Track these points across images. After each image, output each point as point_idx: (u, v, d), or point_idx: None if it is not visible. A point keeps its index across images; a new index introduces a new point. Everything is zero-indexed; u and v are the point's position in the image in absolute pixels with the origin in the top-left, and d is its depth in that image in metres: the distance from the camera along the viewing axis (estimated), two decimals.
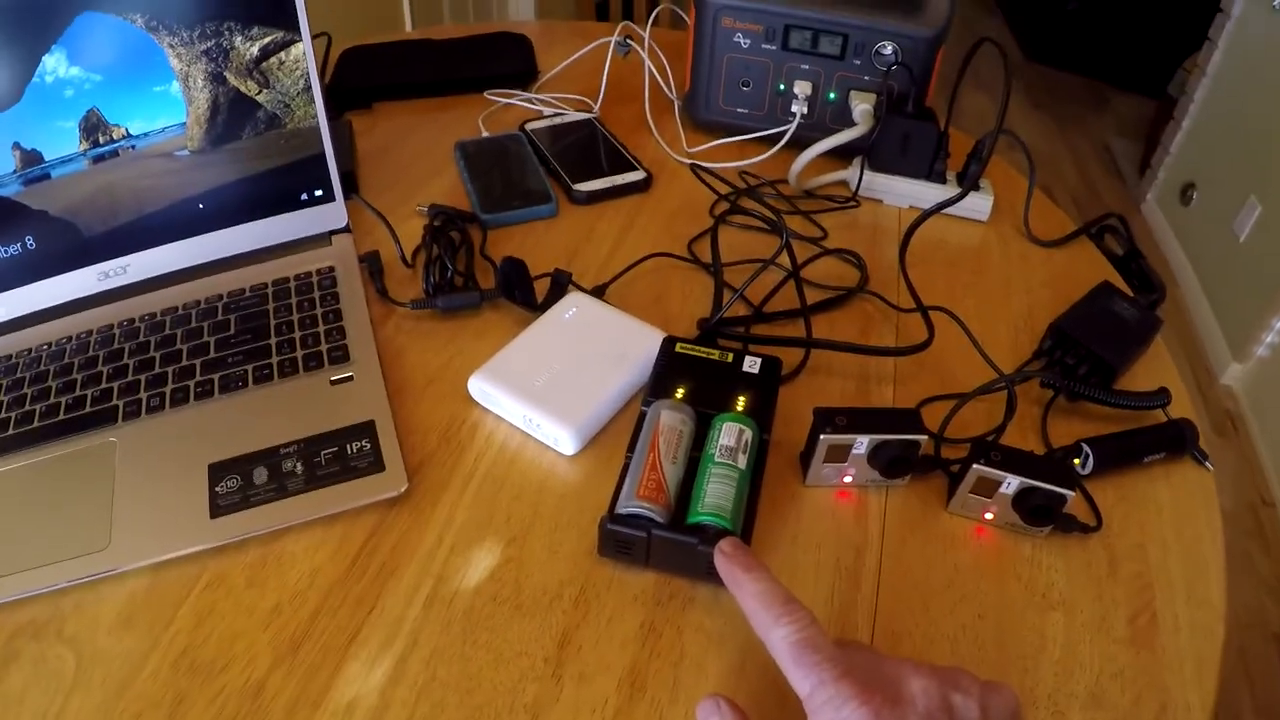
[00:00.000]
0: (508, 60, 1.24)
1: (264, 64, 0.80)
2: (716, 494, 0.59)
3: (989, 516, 0.68)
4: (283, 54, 0.80)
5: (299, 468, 0.65)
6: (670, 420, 0.64)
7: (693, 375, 0.69)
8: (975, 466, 0.65)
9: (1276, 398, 2.30)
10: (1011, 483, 0.64)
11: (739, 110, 1.09)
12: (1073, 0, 4.28)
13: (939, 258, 0.95)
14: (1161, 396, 0.77)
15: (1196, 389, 2.49)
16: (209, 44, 0.77)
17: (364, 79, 1.18)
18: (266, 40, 0.79)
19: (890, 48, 1.00)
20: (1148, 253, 2.97)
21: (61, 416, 0.71)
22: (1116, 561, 0.66)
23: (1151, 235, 3.13)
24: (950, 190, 0.99)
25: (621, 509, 0.59)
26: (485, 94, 1.17)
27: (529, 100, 1.17)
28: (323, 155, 0.85)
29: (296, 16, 0.79)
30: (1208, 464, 0.75)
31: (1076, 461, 0.73)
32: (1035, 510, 0.65)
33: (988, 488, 0.65)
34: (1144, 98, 3.81)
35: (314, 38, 1.09)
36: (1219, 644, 0.62)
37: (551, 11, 3.11)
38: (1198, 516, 0.71)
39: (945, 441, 0.72)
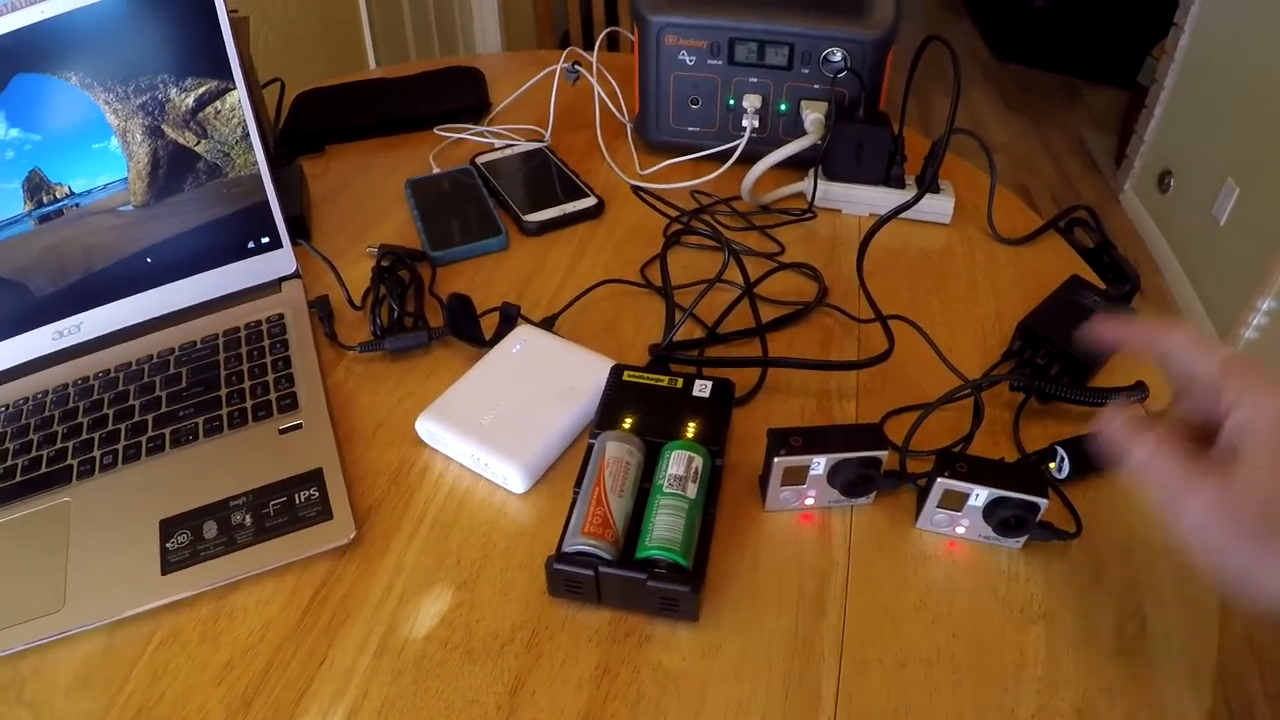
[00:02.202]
0: (460, 95, 1.22)
1: (200, 114, 0.79)
2: (665, 526, 0.57)
3: (960, 531, 0.65)
4: (218, 103, 0.79)
5: (248, 520, 0.64)
6: (616, 452, 0.62)
7: (641, 404, 0.67)
8: (940, 480, 0.62)
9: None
10: (980, 494, 0.62)
11: (690, 129, 1.07)
12: None
13: (901, 265, 0.93)
14: (1138, 390, 0.75)
15: None
16: (144, 98, 0.76)
17: (316, 122, 1.17)
18: (201, 90, 0.78)
19: (839, 54, 0.98)
20: (1128, 243, 2.98)
21: (18, 479, 0.70)
22: (1100, 567, 0.64)
23: (1131, 225, 3.11)
24: (909, 195, 0.96)
25: (567, 547, 0.57)
26: (435, 130, 1.15)
27: (480, 134, 1.15)
28: (267, 202, 0.84)
29: (229, 64, 0.78)
30: None
31: (1052, 465, 0.71)
32: (1008, 521, 0.62)
33: (956, 501, 0.63)
34: (1116, 89, 3.81)
35: (266, 84, 1.10)
36: (1214, 646, 0.59)
37: (518, 44, 3.12)
38: None
39: (911, 455, 0.69)
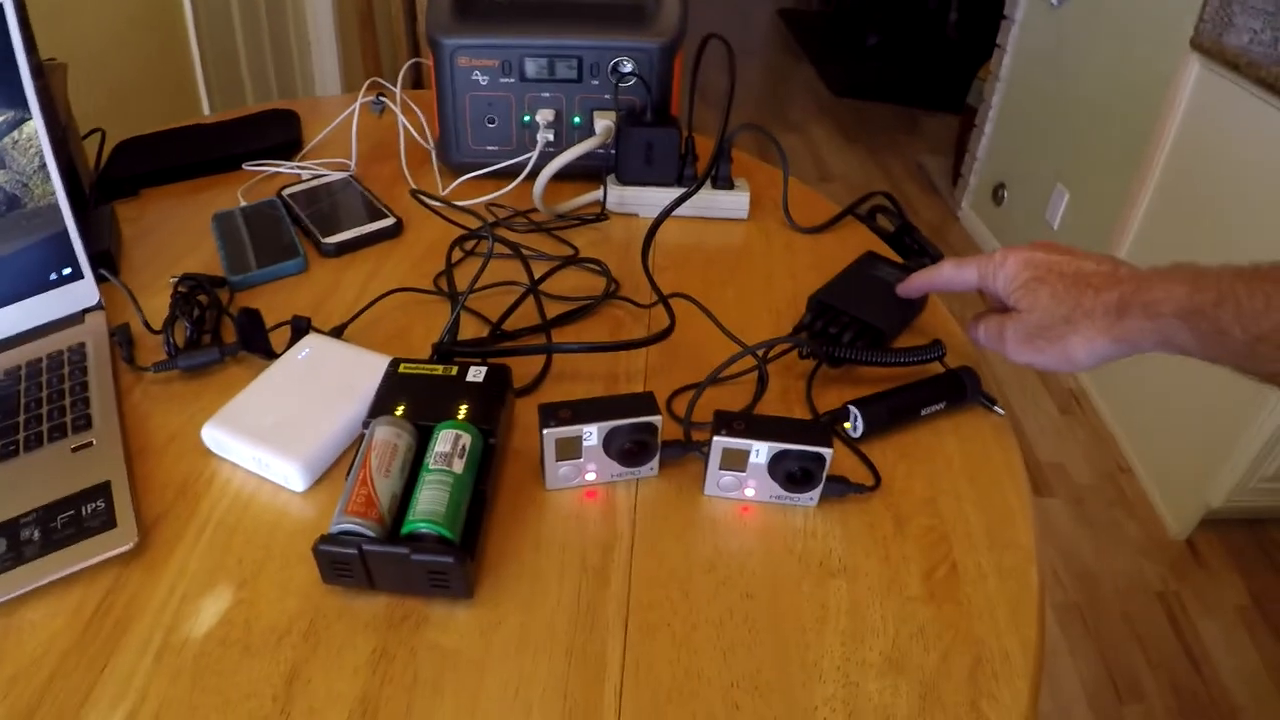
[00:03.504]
0: (272, 135, 1.22)
1: None
2: (429, 500, 0.57)
3: (750, 493, 0.66)
4: (16, 133, 0.78)
5: (36, 535, 0.63)
6: (384, 435, 0.62)
7: (415, 391, 0.67)
8: (717, 439, 0.63)
9: (1113, 368, 2.37)
10: (760, 450, 0.63)
11: (489, 148, 1.08)
12: (871, 35, 4.47)
13: (696, 259, 0.95)
14: (935, 349, 0.76)
15: (1037, 376, 2.55)
16: None
17: (131, 167, 1.15)
18: None
19: (630, 64, 1.00)
20: (968, 255, 3.09)
21: None
22: (903, 519, 0.65)
23: (971, 239, 3.23)
24: (703, 193, 0.98)
25: (331, 528, 0.57)
26: (244, 167, 1.14)
27: (289, 169, 1.14)
28: (67, 232, 0.83)
29: (24, 95, 0.78)
30: (997, 409, 0.75)
31: (847, 425, 0.72)
32: (794, 475, 0.63)
33: (738, 460, 0.64)
34: (950, 114, 3.97)
35: (87, 135, 1.09)
36: (1034, 586, 0.61)
37: (357, 87, 3.10)
38: (993, 462, 0.70)
39: (696, 426, 0.70)
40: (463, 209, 1.01)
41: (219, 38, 2.37)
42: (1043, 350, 0.66)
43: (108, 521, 0.63)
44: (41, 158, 0.80)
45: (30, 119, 0.78)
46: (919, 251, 0.99)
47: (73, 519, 0.64)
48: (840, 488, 0.66)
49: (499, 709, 0.53)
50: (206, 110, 2.30)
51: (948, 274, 0.75)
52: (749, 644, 0.56)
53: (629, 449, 0.64)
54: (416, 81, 2.19)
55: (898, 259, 0.93)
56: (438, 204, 1.03)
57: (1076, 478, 2.22)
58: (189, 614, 0.58)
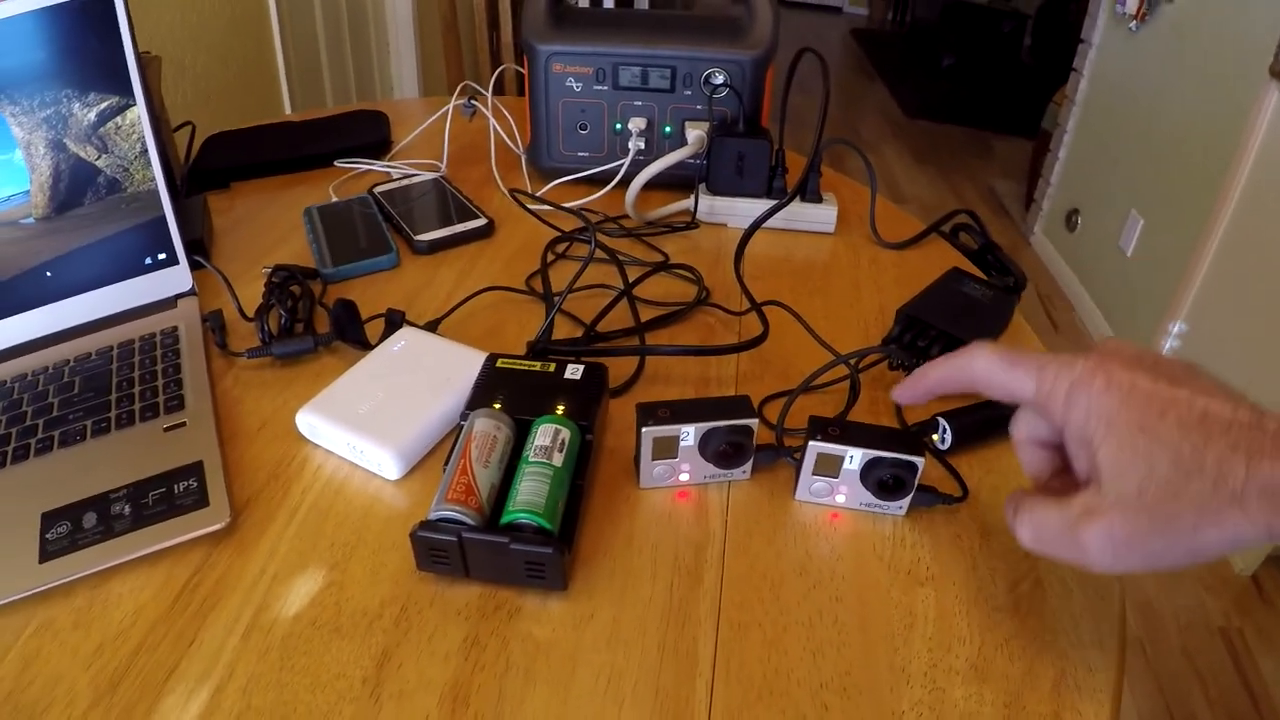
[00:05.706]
0: (362, 134, 1.25)
1: (101, 129, 0.80)
2: (529, 491, 0.57)
3: (840, 500, 0.66)
4: (119, 119, 0.80)
5: (127, 510, 0.64)
6: (483, 426, 0.62)
7: (513, 386, 0.68)
8: (812, 444, 0.63)
9: None
10: (854, 456, 0.63)
11: (580, 154, 1.09)
12: (946, 57, 4.45)
13: (785, 270, 0.95)
14: None
15: None
16: (49, 111, 0.77)
17: (223, 161, 1.18)
18: (103, 105, 0.79)
19: (721, 76, 1.01)
20: (1041, 282, 3.06)
21: None
22: (990, 532, 0.65)
23: (1044, 266, 3.20)
24: (792, 205, 0.99)
25: (431, 515, 0.57)
26: (336, 163, 1.17)
27: (379, 167, 1.16)
28: (164, 218, 0.85)
29: (130, 81, 0.80)
30: None
31: (935, 437, 0.72)
32: (886, 483, 0.63)
33: (831, 466, 0.64)
34: (1023, 139, 3.94)
35: (178, 128, 1.12)
36: (1116, 602, 0.60)
37: (435, 91, 3.15)
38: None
39: (787, 432, 0.70)
40: (567, 210, 1.02)
41: (302, 40, 2.43)
42: (1161, 556, 0.43)
43: (200, 500, 0.65)
44: (142, 144, 0.82)
45: (134, 105, 0.81)
46: (1001, 269, 0.98)
47: (164, 496, 0.65)
48: (929, 498, 0.65)
49: (590, 700, 0.53)
50: (288, 110, 2.36)
51: (987, 371, 0.51)
52: (838, 646, 0.56)
53: (724, 450, 0.64)
54: (497, 88, 2.22)
55: (982, 276, 0.93)
56: (539, 206, 1.05)
57: None
58: (279, 594, 0.59)
